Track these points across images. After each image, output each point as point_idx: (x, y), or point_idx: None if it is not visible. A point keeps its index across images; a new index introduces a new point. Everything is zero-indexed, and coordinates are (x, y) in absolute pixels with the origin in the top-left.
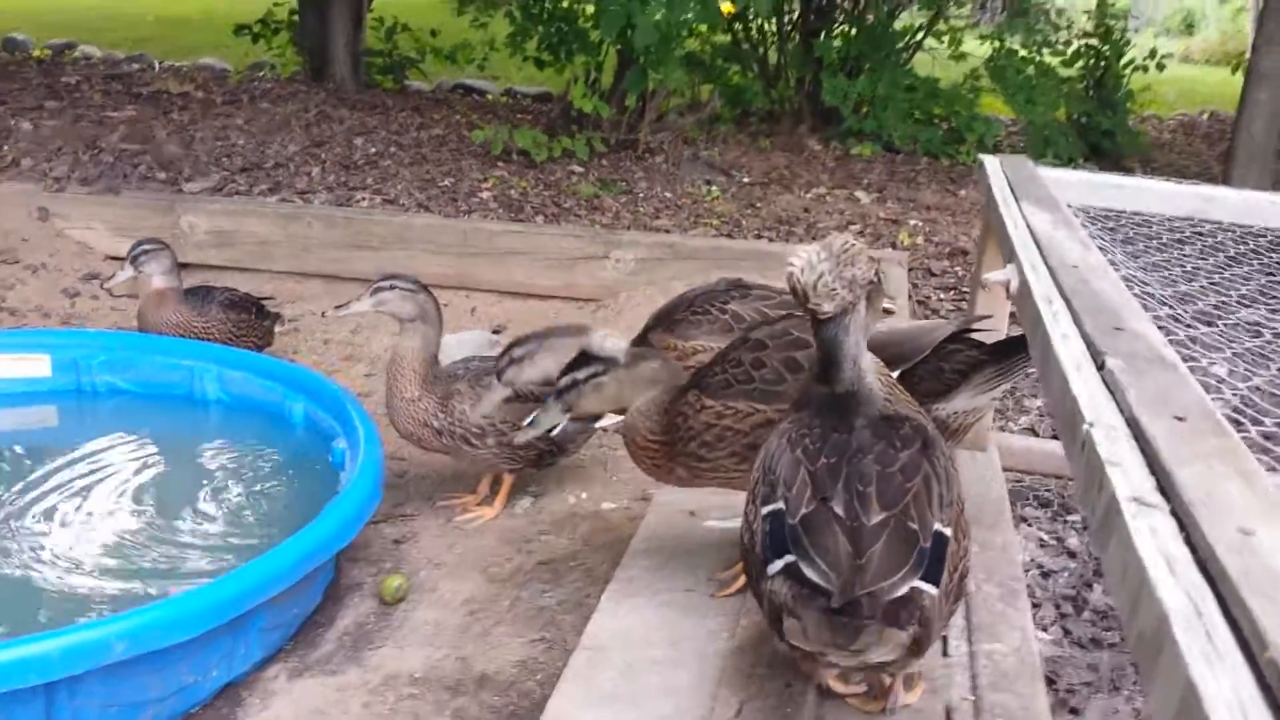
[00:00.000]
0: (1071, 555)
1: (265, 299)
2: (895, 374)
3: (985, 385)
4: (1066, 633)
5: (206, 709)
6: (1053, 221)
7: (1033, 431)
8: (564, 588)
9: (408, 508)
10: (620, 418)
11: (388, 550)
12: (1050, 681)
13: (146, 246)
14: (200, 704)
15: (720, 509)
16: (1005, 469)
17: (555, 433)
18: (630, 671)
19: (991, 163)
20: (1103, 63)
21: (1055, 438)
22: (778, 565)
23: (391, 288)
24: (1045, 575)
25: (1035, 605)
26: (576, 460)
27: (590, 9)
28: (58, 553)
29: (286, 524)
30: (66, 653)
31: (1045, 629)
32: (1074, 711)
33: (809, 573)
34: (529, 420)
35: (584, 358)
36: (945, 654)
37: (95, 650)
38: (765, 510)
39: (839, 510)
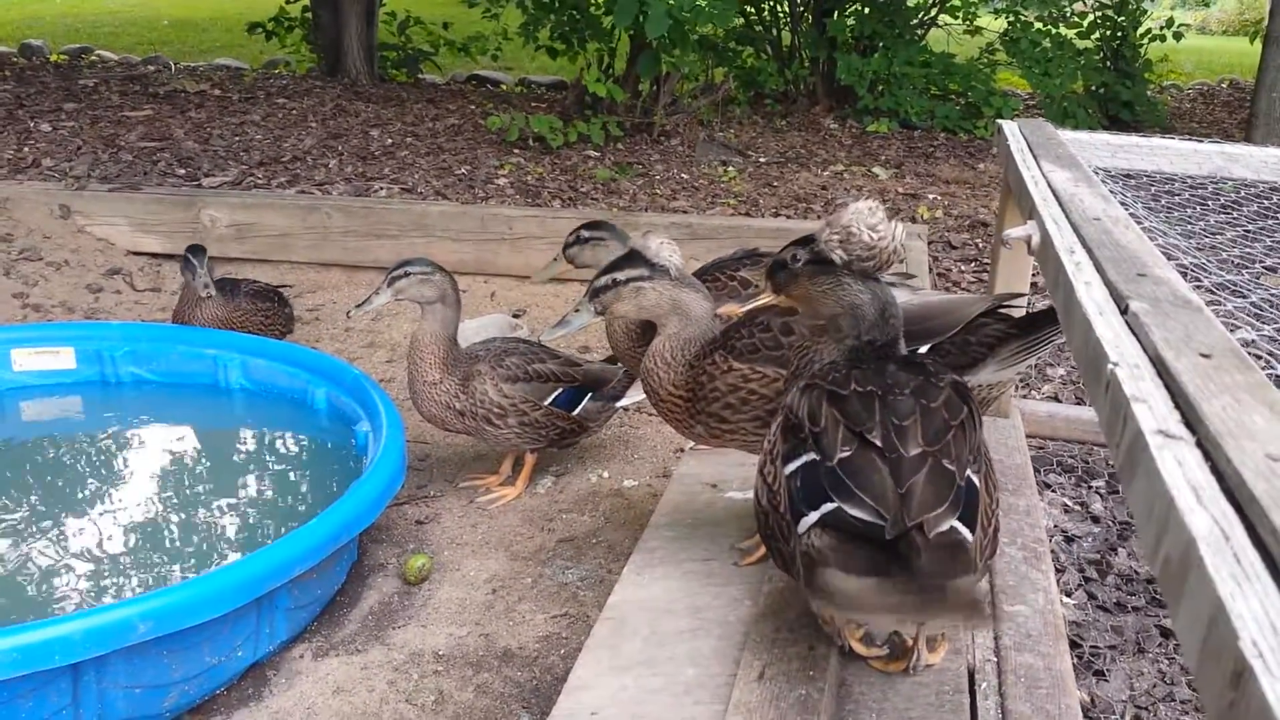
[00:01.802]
0: (1095, 520)
1: (282, 286)
2: (927, 347)
3: (1011, 359)
4: (1091, 597)
5: (232, 689)
6: (1073, 179)
7: (1055, 398)
8: (586, 564)
9: (430, 489)
10: (642, 395)
11: (411, 531)
12: (1075, 644)
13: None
14: (226, 684)
15: (742, 481)
16: (1028, 435)
17: (577, 411)
18: (653, 639)
19: (1010, 126)
20: (1119, 33)
21: (1079, 403)
22: (813, 518)
23: (406, 274)
24: (1069, 540)
25: (1059, 570)
26: (597, 439)
27: None
28: (86, 539)
29: (311, 507)
30: (90, 633)
31: (1069, 593)
32: (1099, 674)
33: (857, 513)
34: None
35: (632, 257)
36: None
37: (118, 631)
38: (791, 467)
39: (877, 441)
